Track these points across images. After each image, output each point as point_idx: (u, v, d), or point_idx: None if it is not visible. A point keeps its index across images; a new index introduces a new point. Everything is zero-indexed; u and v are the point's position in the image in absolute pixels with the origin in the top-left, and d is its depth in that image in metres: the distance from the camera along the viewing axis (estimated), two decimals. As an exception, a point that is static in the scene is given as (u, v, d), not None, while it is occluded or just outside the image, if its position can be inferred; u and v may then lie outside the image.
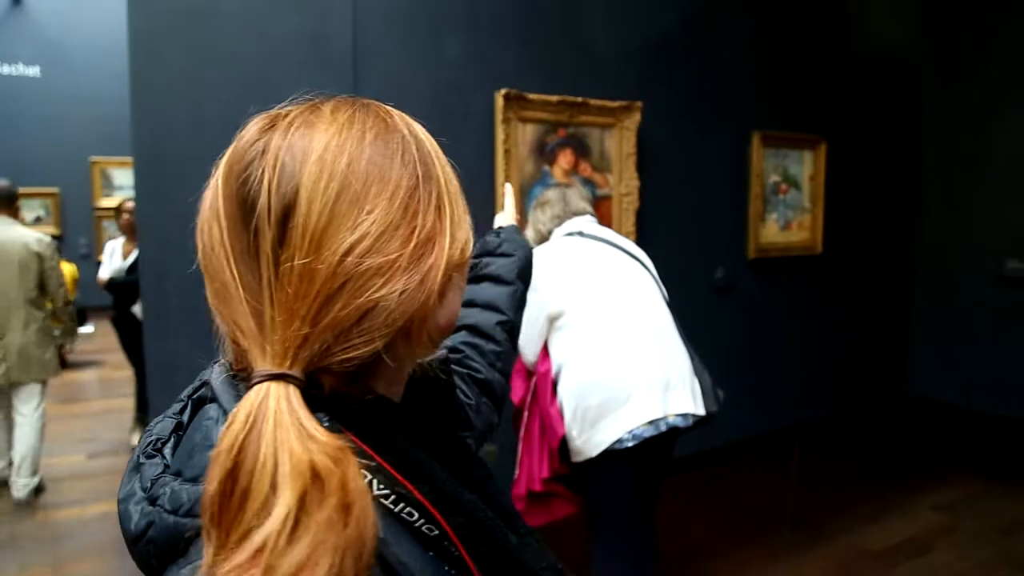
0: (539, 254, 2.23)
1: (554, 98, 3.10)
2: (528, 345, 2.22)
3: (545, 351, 2.20)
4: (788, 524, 3.29)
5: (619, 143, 3.33)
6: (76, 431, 5.10)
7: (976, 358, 4.25)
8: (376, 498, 0.51)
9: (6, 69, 8.38)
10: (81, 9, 8.35)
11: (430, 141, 0.61)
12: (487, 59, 3.01)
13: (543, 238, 2.36)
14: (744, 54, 3.83)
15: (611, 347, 2.08)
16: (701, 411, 2.15)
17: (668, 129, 3.54)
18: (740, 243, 3.93)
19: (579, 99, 3.17)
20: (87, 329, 6.90)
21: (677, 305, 2.30)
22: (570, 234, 2.28)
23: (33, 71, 8.49)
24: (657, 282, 2.28)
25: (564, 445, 2.11)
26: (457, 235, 0.57)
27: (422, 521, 0.54)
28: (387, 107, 0.61)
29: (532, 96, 3.04)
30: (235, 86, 2.55)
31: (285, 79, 2.61)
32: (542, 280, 2.15)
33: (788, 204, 4.09)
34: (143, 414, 4.47)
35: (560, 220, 2.34)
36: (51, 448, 4.68)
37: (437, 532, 0.54)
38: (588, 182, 3.26)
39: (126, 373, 6.27)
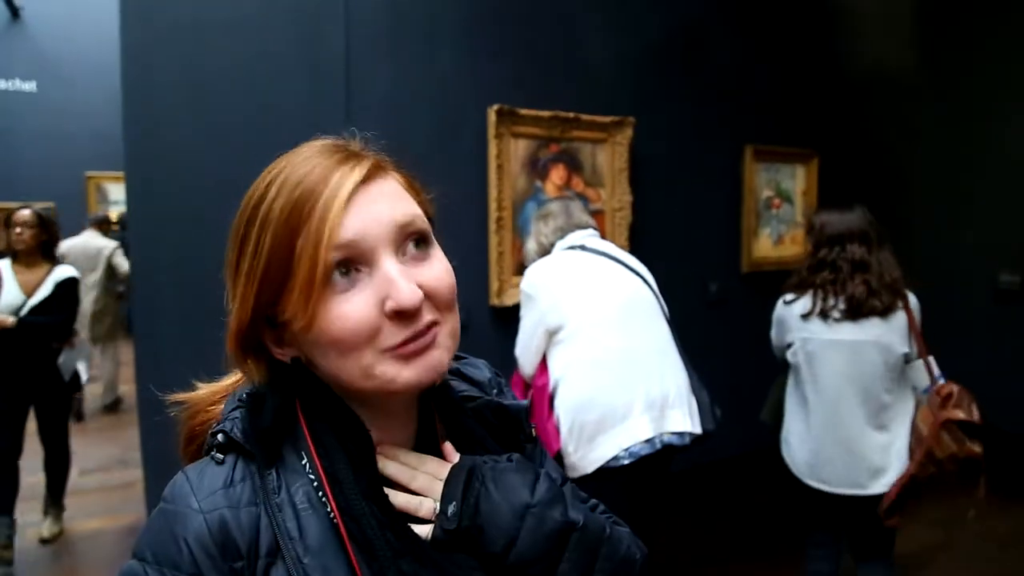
0: (540, 267, 2.23)
1: (546, 113, 3.11)
2: (526, 358, 2.22)
3: (543, 365, 2.19)
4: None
5: (611, 158, 3.34)
6: (67, 447, 5.06)
7: (970, 372, 4.23)
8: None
9: (2, 84, 8.39)
10: (78, 24, 8.37)
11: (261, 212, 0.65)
12: (479, 75, 3.02)
13: (545, 251, 2.36)
14: (736, 69, 3.84)
15: (609, 363, 2.07)
16: (698, 430, 2.15)
17: (661, 144, 3.55)
18: (733, 257, 3.93)
19: (571, 114, 3.17)
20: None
21: (671, 319, 2.29)
22: (572, 247, 2.27)
23: (30, 86, 8.50)
24: (658, 298, 2.27)
25: (560, 461, 2.09)
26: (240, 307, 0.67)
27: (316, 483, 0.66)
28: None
29: (524, 111, 3.04)
30: (228, 102, 2.55)
31: (278, 95, 2.62)
32: (542, 293, 2.15)
33: (781, 218, 4.09)
34: (56, 497, 3.78)
35: (562, 233, 2.33)
36: (40, 464, 4.64)
37: (323, 495, 0.65)
38: (581, 197, 3.26)
39: (121, 388, 6.23)
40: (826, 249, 2.28)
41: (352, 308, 0.62)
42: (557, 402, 2.09)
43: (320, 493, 0.65)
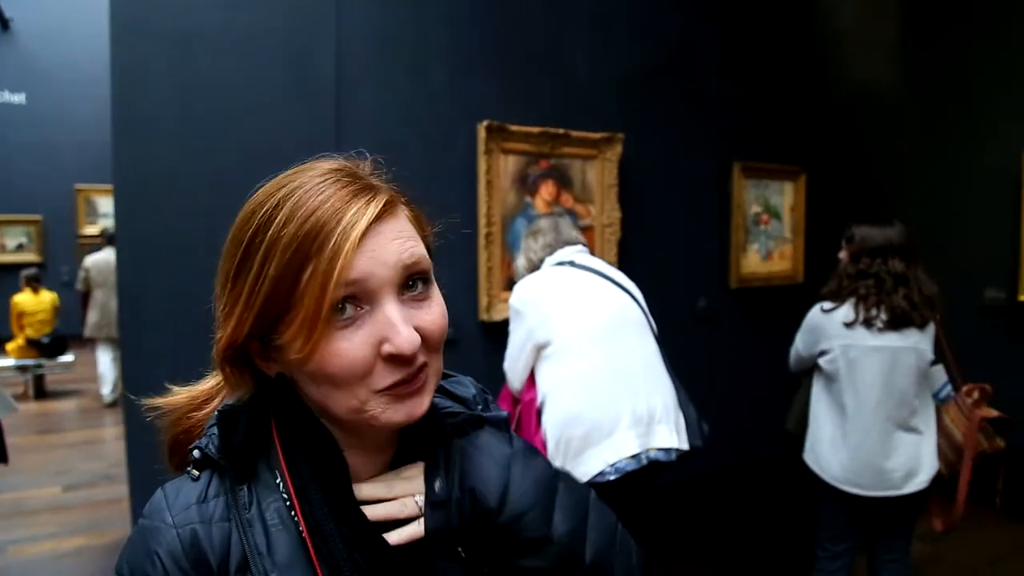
0: (528, 283, 2.24)
1: (536, 130, 3.12)
2: (514, 373, 2.22)
3: (531, 380, 2.19)
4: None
5: (601, 174, 3.35)
6: (52, 463, 5.01)
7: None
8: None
9: (-8, 96, 8.38)
10: (68, 37, 8.37)
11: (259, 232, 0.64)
12: (469, 91, 3.04)
13: (534, 267, 2.36)
14: (725, 86, 3.88)
15: (596, 379, 2.07)
16: (685, 446, 2.15)
17: (650, 160, 3.57)
18: (722, 273, 3.95)
19: (561, 131, 3.19)
20: (67, 358, 6.80)
21: (659, 336, 2.30)
22: (561, 263, 2.28)
23: (19, 98, 8.49)
24: (646, 314, 2.28)
25: None
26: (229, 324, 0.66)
27: (285, 498, 0.66)
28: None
29: (514, 128, 3.06)
30: (218, 115, 2.55)
31: (267, 110, 2.62)
32: (530, 308, 2.16)
33: (769, 234, 4.12)
34: None
35: (552, 249, 2.34)
36: (26, 480, 4.60)
37: (294, 514, 0.66)
38: (570, 213, 3.28)
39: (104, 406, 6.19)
40: (868, 260, 2.35)
41: (350, 347, 0.62)
42: (544, 417, 2.09)
43: (292, 512, 0.66)
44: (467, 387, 0.88)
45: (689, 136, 3.75)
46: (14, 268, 7.64)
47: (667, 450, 2.10)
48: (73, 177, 8.64)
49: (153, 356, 2.49)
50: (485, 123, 2.98)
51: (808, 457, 2.48)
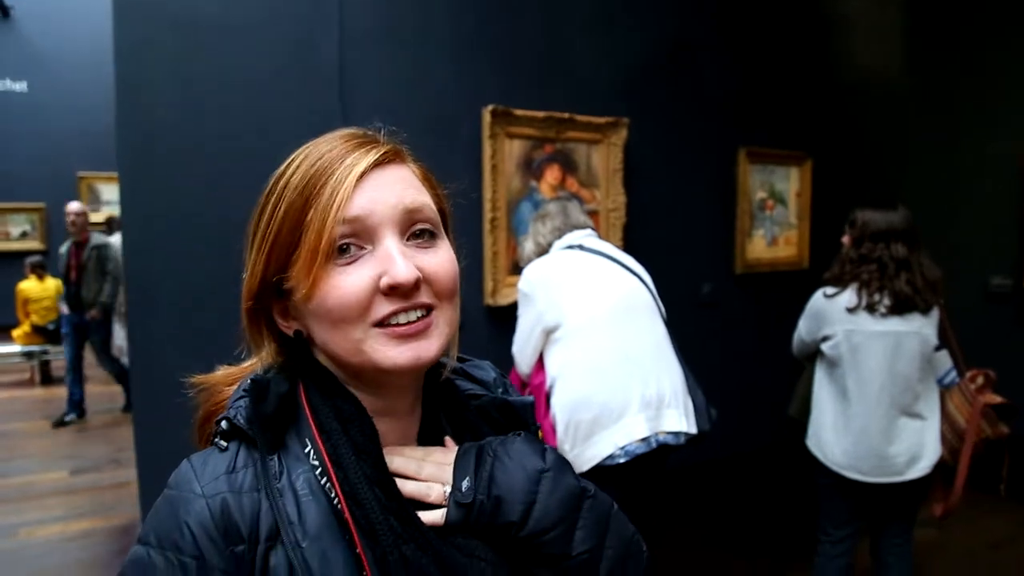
0: (537, 266, 2.24)
1: (541, 114, 3.11)
2: (523, 356, 2.23)
3: (540, 364, 2.20)
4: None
5: (606, 159, 3.35)
6: (60, 447, 5.05)
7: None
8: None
9: (-6, 84, 8.36)
10: (70, 23, 8.33)
11: (283, 190, 0.68)
12: (474, 75, 3.02)
13: (543, 251, 2.36)
14: (730, 71, 3.86)
15: (606, 363, 2.08)
16: (693, 429, 2.16)
17: (655, 145, 3.56)
18: (727, 259, 3.94)
19: (566, 115, 3.18)
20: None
21: (667, 319, 2.30)
22: (570, 247, 2.28)
23: (21, 86, 8.46)
24: (655, 298, 2.28)
25: None
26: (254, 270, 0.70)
27: (318, 466, 0.66)
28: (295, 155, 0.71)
29: (519, 112, 3.05)
30: (222, 101, 2.54)
31: (272, 95, 2.61)
32: (539, 292, 2.16)
33: (775, 220, 4.11)
34: None
35: (560, 233, 2.34)
36: (34, 464, 4.63)
37: (326, 481, 0.66)
38: (575, 198, 3.27)
39: (112, 388, 6.23)
40: (870, 244, 2.35)
41: (349, 280, 0.64)
42: (553, 400, 2.10)
43: (324, 479, 0.66)
44: (487, 371, 0.89)
45: (694, 121, 3.73)
46: (19, 256, 7.64)
47: (676, 433, 2.11)
48: (75, 165, 8.62)
49: (161, 339, 2.50)
50: (490, 107, 2.97)
51: (811, 443, 2.49)
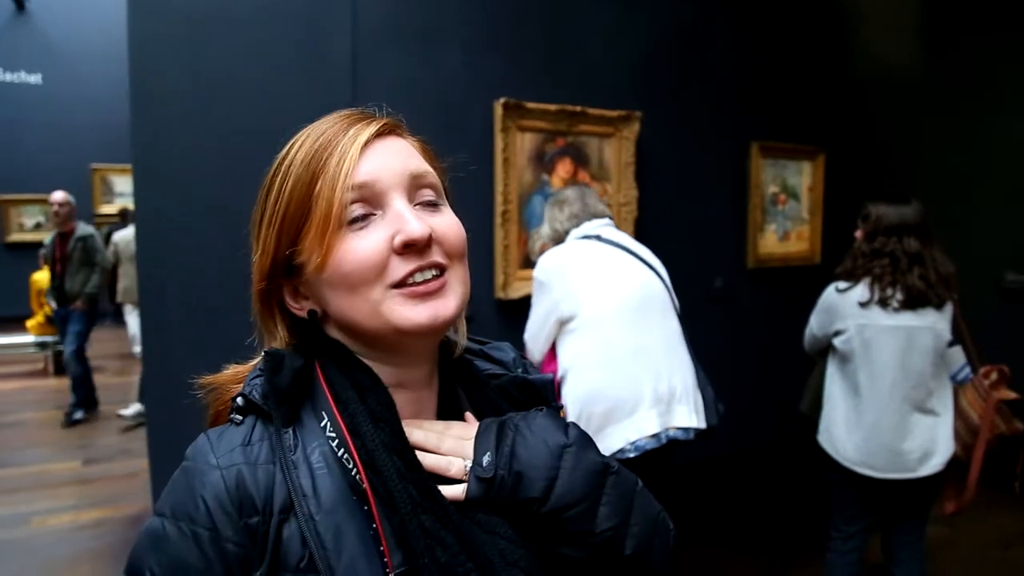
0: (554, 255, 2.21)
1: (553, 107, 3.10)
2: (535, 344, 2.21)
3: (552, 353, 2.19)
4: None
5: (618, 152, 3.33)
6: (72, 437, 5.09)
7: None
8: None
9: (8, 76, 8.42)
10: (84, 16, 8.39)
11: (290, 169, 0.69)
12: (485, 68, 3.02)
13: (559, 237, 2.33)
14: (743, 64, 3.84)
15: (619, 356, 2.07)
16: (702, 425, 2.15)
17: (667, 139, 3.54)
18: (739, 253, 3.93)
19: (578, 108, 3.17)
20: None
21: (681, 314, 2.29)
22: (587, 236, 2.25)
23: (35, 78, 8.53)
24: (670, 292, 2.26)
25: None
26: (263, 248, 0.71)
27: (336, 441, 0.66)
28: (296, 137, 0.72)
29: (531, 105, 3.04)
30: (235, 95, 2.55)
31: (284, 87, 2.62)
32: (555, 281, 2.14)
33: (787, 215, 4.09)
34: None
35: (578, 220, 2.30)
36: (47, 454, 4.67)
37: (343, 452, 0.66)
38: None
39: (123, 379, 6.28)
40: (883, 239, 2.33)
41: (363, 243, 0.66)
42: (565, 391, 2.09)
43: (341, 451, 0.66)
44: (506, 352, 0.90)
45: (707, 114, 3.71)
46: (32, 247, 7.70)
47: (686, 429, 2.10)
48: (89, 156, 8.69)
49: (173, 329, 2.51)
50: (502, 100, 2.97)
51: (822, 439, 2.47)
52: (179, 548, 0.62)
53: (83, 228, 5.62)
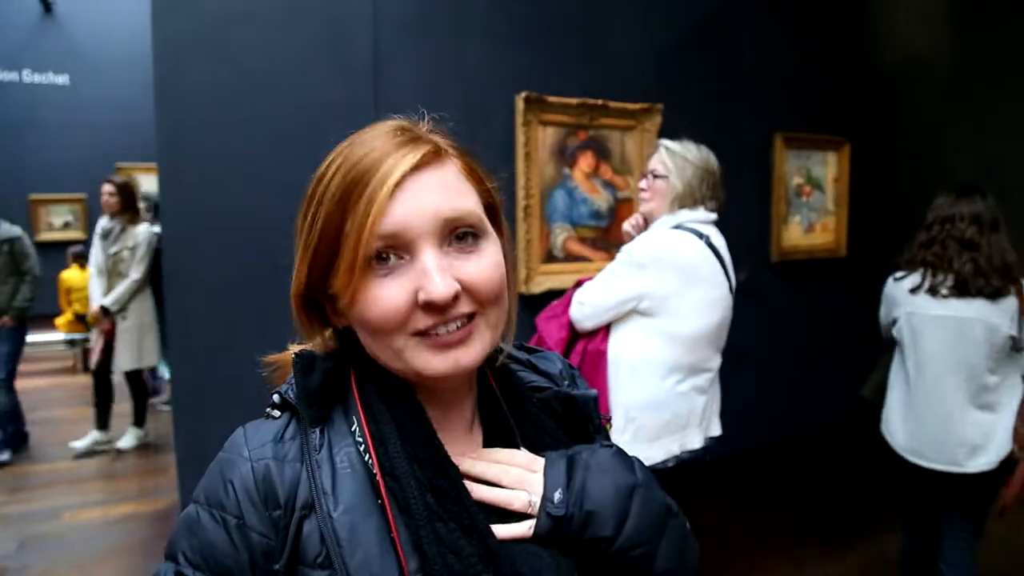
0: (668, 242, 2.03)
1: (574, 101, 3.09)
2: (595, 311, 2.06)
3: (606, 331, 2.08)
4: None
5: (640, 145, 3.31)
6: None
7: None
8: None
9: (35, 77, 8.54)
10: (110, 18, 8.49)
11: (327, 187, 0.67)
12: (507, 62, 3.01)
13: (694, 200, 2.14)
14: (765, 54, 3.79)
15: (686, 372, 2.04)
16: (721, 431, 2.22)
17: (689, 131, 3.47)
18: (763, 246, 3.89)
19: (599, 102, 3.15)
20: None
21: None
22: (699, 235, 2.07)
23: (62, 79, 8.64)
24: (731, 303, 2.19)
25: None
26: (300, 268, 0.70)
27: (362, 444, 0.68)
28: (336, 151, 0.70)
29: (552, 99, 3.03)
30: (258, 94, 2.57)
31: (307, 85, 2.63)
32: (654, 272, 1.99)
33: (811, 206, 4.04)
34: None
35: (706, 205, 2.17)
36: (66, 451, 4.74)
37: (368, 457, 0.67)
38: (609, 185, 3.25)
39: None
40: (937, 227, 2.31)
41: (387, 293, 0.64)
42: (622, 392, 2.03)
43: (367, 456, 0.67)
44: (553, 362, 0.89)
45: (729, 106, 3.67)
46: (61, 245, 7.81)
47: (716, 438, 2.18)
48: (115, 156, 8.77)
49: (198, 327, 2.54)
50: (523, 94, 2.96)
51: (882, 425, 2.47)
52: (209, 533, 0.65)
53: (8, 229, 4.61)
